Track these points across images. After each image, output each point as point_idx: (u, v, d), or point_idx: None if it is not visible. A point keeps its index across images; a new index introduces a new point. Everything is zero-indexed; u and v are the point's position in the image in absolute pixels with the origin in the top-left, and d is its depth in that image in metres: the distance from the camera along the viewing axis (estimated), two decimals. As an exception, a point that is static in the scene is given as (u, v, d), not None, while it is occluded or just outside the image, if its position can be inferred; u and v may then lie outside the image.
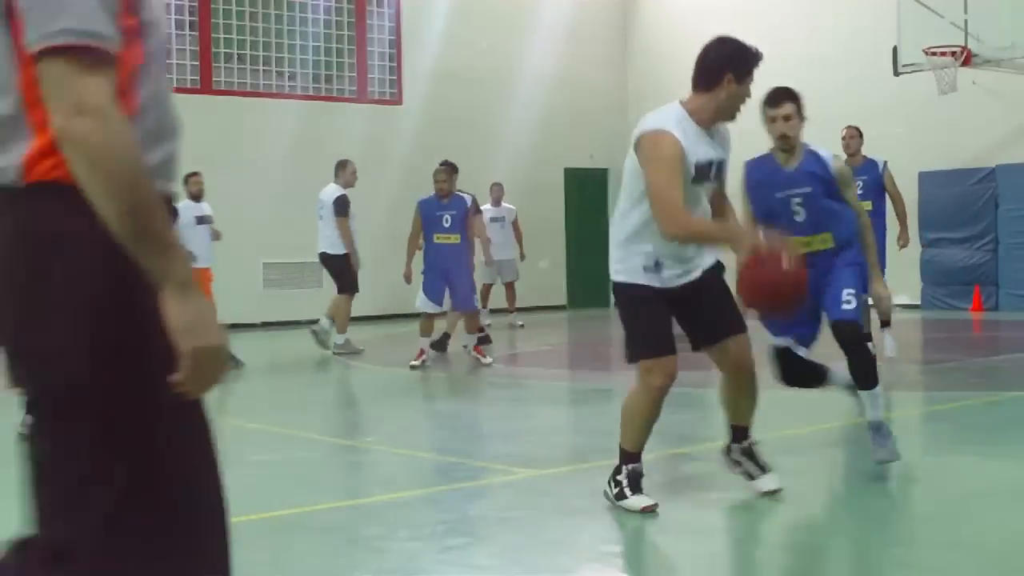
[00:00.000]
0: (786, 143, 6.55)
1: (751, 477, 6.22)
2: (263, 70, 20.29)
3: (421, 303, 12.97)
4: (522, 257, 18.24)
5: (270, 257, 20.04)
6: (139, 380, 2.26)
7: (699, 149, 5.64)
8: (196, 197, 14.32)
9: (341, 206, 14.34)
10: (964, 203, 18.80)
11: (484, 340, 13.80)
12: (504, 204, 18.36)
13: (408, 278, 13.45)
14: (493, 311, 17.77)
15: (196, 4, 19.45)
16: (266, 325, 19.59)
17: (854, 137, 11.90)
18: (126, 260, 2.17)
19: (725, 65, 5.72)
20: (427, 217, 13.08)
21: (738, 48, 5.87)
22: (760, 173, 6.62)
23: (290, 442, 8.63)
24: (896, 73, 17.69)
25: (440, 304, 12.95)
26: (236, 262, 19.45)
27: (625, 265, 5.78)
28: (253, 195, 19.61)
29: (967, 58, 16.66)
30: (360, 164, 20.33)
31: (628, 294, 5.81)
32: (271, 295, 20.05)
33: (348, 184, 14.66)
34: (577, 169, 23.54)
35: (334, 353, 14.34)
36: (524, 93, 22.70)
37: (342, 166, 14.79)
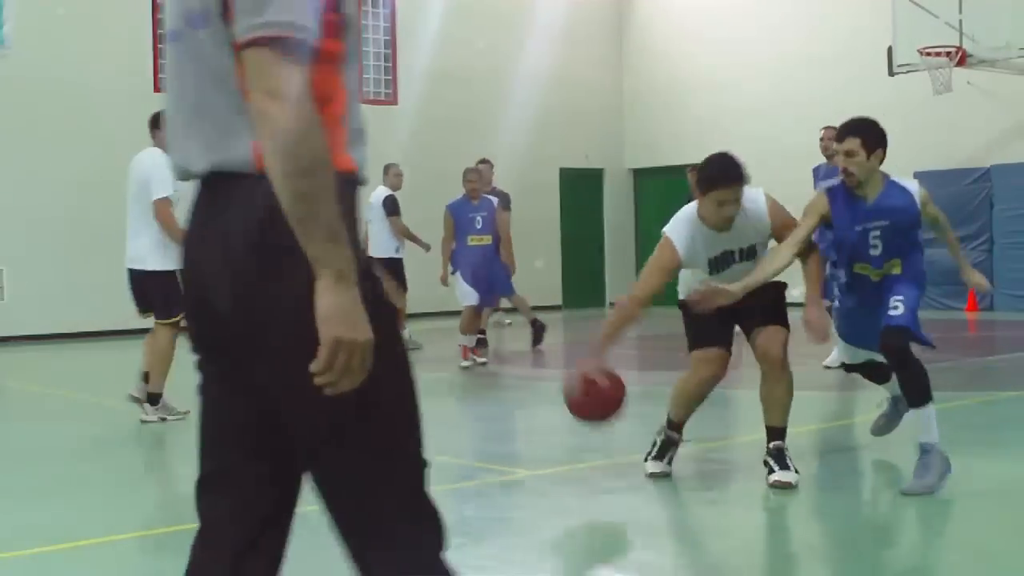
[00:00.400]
0: (850, 180, 6.26)
1: (770, 472, 6.36)
2: (258, 70, 20.27)
3: (463, 295, 12.84)
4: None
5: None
6: (393, 363, 2.43)
7: (711, 246, 6.39)
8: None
9: (391, 206, 14.53)
10: (959, 203, 18.80)
11: (481, 343, 13.78)
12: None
13: (444, 281, 13.41)
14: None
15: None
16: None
17: (832, 139, 11.64)
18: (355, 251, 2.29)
19: (699, 180, 6.37)
20: (459, 219, 12.98)
21: (705, 163, 6.45)
22: (838, 204, 6.42)
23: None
24: (891, 73, 17.71)
25: (481, 295, 12.86)
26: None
27: (681, 288, 6.85)
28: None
29: (962, 58, 16.69)
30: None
31: (684, 306, 6.69)
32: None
33: (394, 186, 14.83)
34: (572, 169, 23.54)
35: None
36: (519, 93, 22.69)
37: (386, 169, 14.99)
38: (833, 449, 7.97)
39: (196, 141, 2.43)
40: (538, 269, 22.49)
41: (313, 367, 2.22)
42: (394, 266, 14.60)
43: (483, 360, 12.92)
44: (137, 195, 9.13)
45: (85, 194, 17.79)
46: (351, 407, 2.33)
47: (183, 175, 2.49)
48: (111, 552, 5.49)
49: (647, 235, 22.52)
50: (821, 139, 11.73)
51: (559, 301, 23.45)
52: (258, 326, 2.34)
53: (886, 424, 7.29)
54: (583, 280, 23.88)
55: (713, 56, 22.81)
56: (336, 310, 2.21)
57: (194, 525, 2.64)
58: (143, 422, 9.18)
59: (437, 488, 7.03)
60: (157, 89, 18.94)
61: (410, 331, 14.93)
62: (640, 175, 24.13)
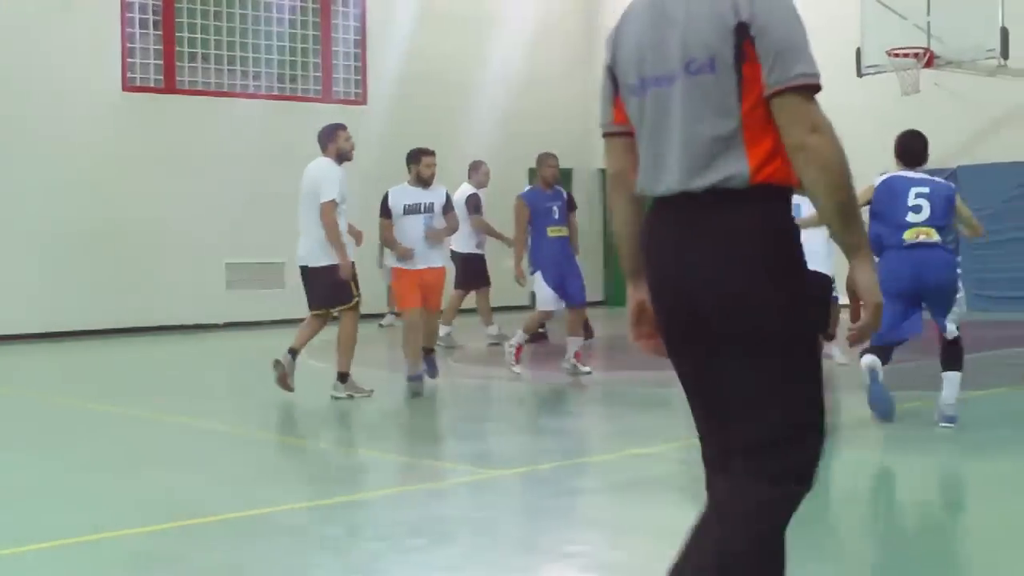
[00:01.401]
0: None
1: None
2: (227, 70, 20.17)
3: (545, 301, 11.86)
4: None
5: (233, 258, 19.93)
6: (807, 327, 3.09)
7: None
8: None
9: (474, 203, 14.73)
10: (927, 204, 18.88)
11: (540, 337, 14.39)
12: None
13: (522, 279, 12.57)
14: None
15: (160, 4, 19.33)
16: (229, 326, 19.49)
17: None
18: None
19: None
20: (536, 210, 12.15)
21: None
22: None
23: (249, 443, 8.58)
24: (860, 74, 17.78)
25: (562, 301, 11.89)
26: (199, 263, 19.36)
27: None
28: (216, 195, 19.49)
29: (929, 60, 16.75)
30: (324, 164, 20.31)
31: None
32: (234, 296, 19.93)
33: (481, 184, 15.03)
34: (542, 170, 23.55)
35: (444, 346, 14.47)
36: (489, 94, 22.66)
37: (476, 166, 15.22)
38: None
39: (680, 166, 3.07)
40: (507, 269, 22.44)
41: (857, 325, 3.05)
42: (475, 262, 14.86)
43: (517, 370, 11.85)
44: (308, 199, 10.33)
45: (53, 196, 17.70)
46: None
47: (661, 193, 3.13)
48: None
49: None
50: None
51: (527, 301, 23.41)
52: (759, 312, 2.98)
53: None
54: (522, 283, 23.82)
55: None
56: (873, 283, 3.00)
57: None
58: (334, 399, 10.30)
59: (405, 489, 7.05)
60: (126, 88, 18.86)
61: (451, 329, 15.02)
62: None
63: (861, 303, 3.02)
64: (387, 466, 7.61)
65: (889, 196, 8.38)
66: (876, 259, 7.67)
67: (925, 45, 16.73)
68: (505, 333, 14.85)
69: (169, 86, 19.39)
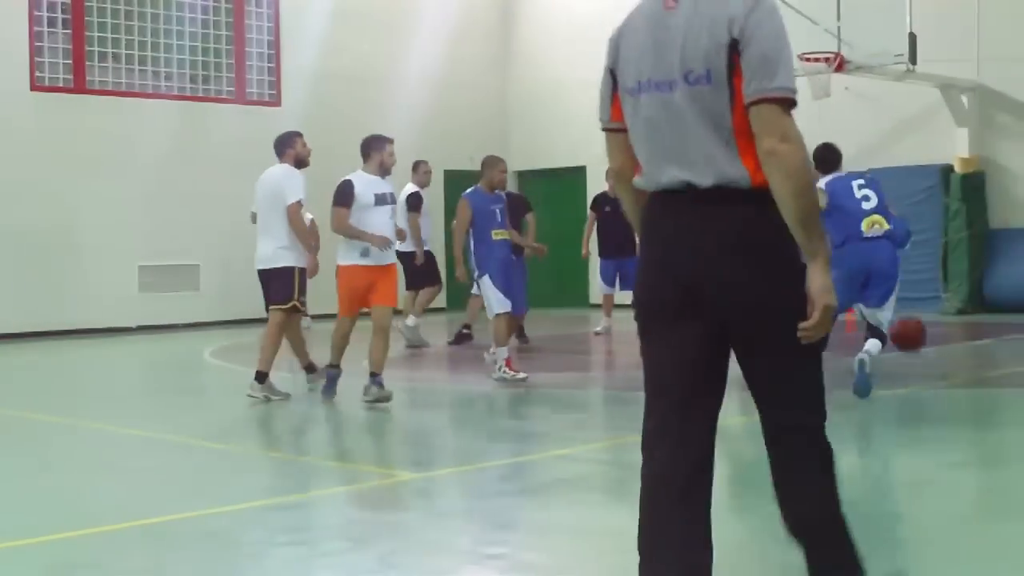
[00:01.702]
0: None
1: None
2: (138, 69, 19.93)
3: (500, 303, 11.48)
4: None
5: (146, 260, 19.71)
6: (802, 305, 3.37)
7: None
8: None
9: (413, 201, 14.81)
10: (838, 206, 19.16)
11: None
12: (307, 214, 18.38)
13: (464, 278, 12.50)
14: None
15: (69, 2, 19.06)
16: (142, 329, 19.28)
17: None
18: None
19: None
20: (479, 211, 12.11)
21: None
22: None
23: (167, 448, 8.50)
24: (771, 78, 17.98)
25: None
26: (111, 265, 19.12)
27: None
28: (128, 197, 19.27)
29: (840, 64, 16.97)
30: (237, 166, 20.13)
31: None
32: (147, 298, 19.71)
33: (422, 184, 15.25)
34: (457, 171, 23.51)
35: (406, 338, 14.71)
36: (404, 95, 22.62)
37: (416, 166, 15.51)
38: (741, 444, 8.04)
39: (681, 165, 3.42)
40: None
41: (807, 324, 3.32)
42: (423, 260, 14.90)
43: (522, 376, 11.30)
44: (268, 204, 10.54)
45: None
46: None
47: (664, 186, 3.47)
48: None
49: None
50: None
51: (443, 304, 23.41)
52: (756, 292, 3.37)
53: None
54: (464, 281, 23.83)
55: (596, 58, 22.69)
56: (827, 286, 3.31)
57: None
58: (249, 397, 10.30)
59: (320, 492, 7.01)
60: (34, 88, 18.58)
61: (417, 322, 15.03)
62: (524, 177, 24.17)
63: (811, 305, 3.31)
64: (305, 470, 7.57)
65: (842, 191, 9.69)
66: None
67: (836, 50, 16.95)
68: (421, 336, 14.86)
69: (79, 86, 19.12)
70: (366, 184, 10.10)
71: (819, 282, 3.31)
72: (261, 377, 10.35)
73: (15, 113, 18.35)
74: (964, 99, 18.74)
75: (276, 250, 10.43)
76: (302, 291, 10.58)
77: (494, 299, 11.35)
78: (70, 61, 19.08)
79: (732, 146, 3.36)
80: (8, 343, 17.30)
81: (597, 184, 16.18)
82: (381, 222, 10.05)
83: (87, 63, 19.28)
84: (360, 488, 6.90)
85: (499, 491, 6.69)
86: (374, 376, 9.88)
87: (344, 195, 10.03)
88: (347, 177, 10.22)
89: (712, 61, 3.34)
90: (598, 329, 16.28)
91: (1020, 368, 11.85)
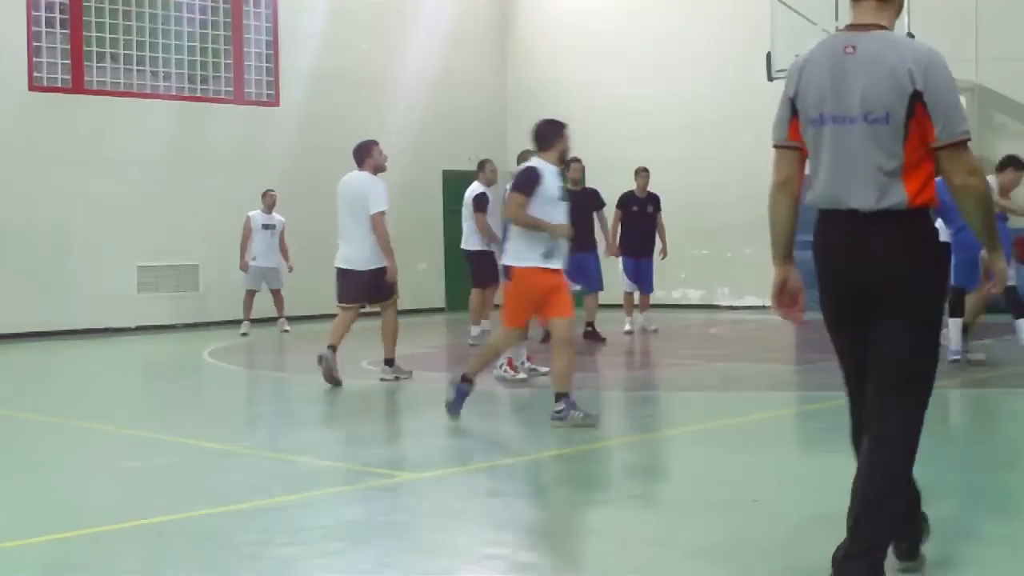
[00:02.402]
0: None
1: None
2: (136, 70, 19.92)
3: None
4: (290, 269, 18.51)
5: (144, 260, 19.70)
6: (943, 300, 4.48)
7: None
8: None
9: (479, 202, 14.83)
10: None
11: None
12: (275, 214, 18.41)
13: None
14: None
15: (67, 2, 19.05)
16: (140, 329, 19.27)
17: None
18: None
19: None
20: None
21: None
22: None
23: (164, 448, 8.49)
24: (770, 78, 17.94)
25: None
26: (109, 265, 19.11)
27: None
28: (126, 197, 19.27)
29: (838, 64, 16.97)
30: (236, 166, 20.16)
31: None
32: (145, 299, 19.70)
33: (489, 182, 15.19)
34: (455, 171, 23.50)
35: (470, 344, 14.66)
36: (402, 95, 22.62)
37: (481, 165, 15.49)
38: (705, 448, 8.04)
39: (855, 188, 4.21)
40: (421, 272, 22.45)
41: (994, 287, 4.53)
42: (485, 260, 14.76)
43: (522, 376, 11.44)
44: (351, 209, 11.33)
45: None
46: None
47: (836, 204, 4.28)
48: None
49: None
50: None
51: (442, 304, 23.41)
52: (915, 291, 4.24)
53: None
54: (466, 283, 23.82)
55: (594, 58, 22.98)
56: (1003, 266, 4.44)
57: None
58: (383, 380, 11.48)
59: (317, 493, 6.99)
60: (32, 88, 18.56)
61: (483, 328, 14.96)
62: (524, 178, 24.19)
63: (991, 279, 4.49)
64: (301, 470, 7.56)
65: (941, 187, 10.25)
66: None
67: (834, 50, 16.96)
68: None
69: (77, 86, 19.11)
70: (552, 176, 9.04)
71: (999, 265, 4.42)
72: (389, 362, 11.57)
73: (13, 113, 18.34)
74: (963, 99, 18.68)
75: (372, 253, 11.25)
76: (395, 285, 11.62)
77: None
78: (68, 61, 19.07)
79: (898, 175, 4.17)
80: (7, 343, 17.28)
81: (596, 184, 16.14)
82: (560, 220, 8.93)
83: (85, 63, 19.27)
84: (359, 488, 6.89)
85: (498, 491, 6.68)
86: (565, 397, 8.64)
87: (528, 182, 8.86)
88: (531, 163, 9.15)
89: (892, 107, 4.13)
90: (628, 328, 16.44)
91: (1020, 368, 11.84)
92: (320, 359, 11.07)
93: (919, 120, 4.11)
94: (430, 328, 19.08)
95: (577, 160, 14.91)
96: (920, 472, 4.43)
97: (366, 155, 11.53)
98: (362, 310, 11.53)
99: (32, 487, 7.15)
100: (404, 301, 13.07)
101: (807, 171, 4.42)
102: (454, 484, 6.94)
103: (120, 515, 6.13)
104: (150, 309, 19.66)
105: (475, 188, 15.07)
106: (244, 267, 18.13)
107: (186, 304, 19.98)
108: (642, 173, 16.50)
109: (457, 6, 23.98)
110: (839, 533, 4.25)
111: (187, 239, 19.93)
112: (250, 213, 18.30)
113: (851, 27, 4.38)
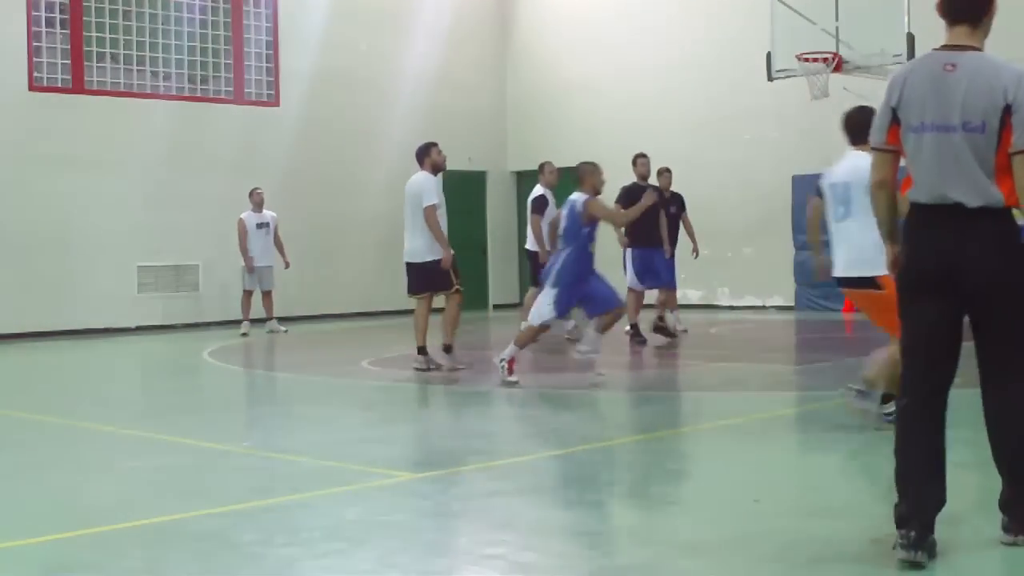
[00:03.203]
0: None
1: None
2: (136, 70, 19.93)
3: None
4: (286, 265, 18.40)
5: (144, 260, 19.70)
6: None
7: None
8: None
9: (535, 204, 15.11)
10: (836, 206, 19.13)
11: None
12: (266, 211, 18.40)
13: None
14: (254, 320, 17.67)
15: (67, 2, 19.05)
16: (140, 329, 19.27)
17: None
18: None
19: None
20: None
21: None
22: None
23: (164, 448, 8.49)
24: (770, 78, 17.95)
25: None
26: (109, 265, 19.12)
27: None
28: (126, 197, 19.27)
29: (838, 64, 16.95)
30: (236, 166, 20.15)
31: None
32: (145, 299, 19.71)
33: (549, 184, 15.32)
34: (455, 172, 23.49)
35: (566, 339, 14.72)
36: (402, 95, 22.62)
37: (541, 168, 15.68)
38: (706, 448, 8.05)
39: (955, 188, 4.75)
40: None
41: None
42: (534, 259, 14.98)
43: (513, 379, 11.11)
44: (412, 206, 12.33)
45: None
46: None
47: (943, 199, 4.81)
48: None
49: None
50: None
51: (442, 304, 23.36)
52: (1008, 279, 4.77)
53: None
54: (466, 282, 23.73)
55: (594, 59, 22.99)
56: None
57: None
58: (438, 367, 12.29)
59: (317, 493, 6.98)
60: (32, 88, 18.56)
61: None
62: (523, 177, 24.16)
63: None
64: (301, 470, 7.56)
65: None
66: None
67: (834, 50, 16.94)
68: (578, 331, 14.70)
69: (77, 86, 19.12)
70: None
71: None
72: (448, 348, 12.42)
73: (13, 113, 18.34)
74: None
75: (426, 246, 12.26)
76: (456, 276, 12.55)
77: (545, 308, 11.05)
78: (68, 61, 19.07)
79: (992, 177, 4.74)
80: (7, 343, 17.28)
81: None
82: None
83: (85, 63, 19.28)
84: (357, 488, 6.89)
85: (495, 491, 6.68)
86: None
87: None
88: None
89: (989, 117, 4.71)
90: (628, 328, 16.29)
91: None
92: (421, 368, 12.20)
93: (1009, 130, 4.70)
94: (429, 329, 19.07)
95: (644, 156, 15.33)
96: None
97: (425, 155, 12.54)
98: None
99: (32, 487, 7.15)
100: (410, 302, 13.08)
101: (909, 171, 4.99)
102: (454, 484, 6.94)
103: (120, 515, 6.13)
104: (150, 309, 19.66)
105: (535, 191, 15.21)
106: (251, 268, 18.10)
107: (186, 304, 19.98)
108: (665, 173, 16.18)
109: (457, 6, 23.99)
110: (839, 533, 4.25)
111: (187, 239, 19.93)
112: (241, 215, 18.31)
113: (948, 47, 4.93)
